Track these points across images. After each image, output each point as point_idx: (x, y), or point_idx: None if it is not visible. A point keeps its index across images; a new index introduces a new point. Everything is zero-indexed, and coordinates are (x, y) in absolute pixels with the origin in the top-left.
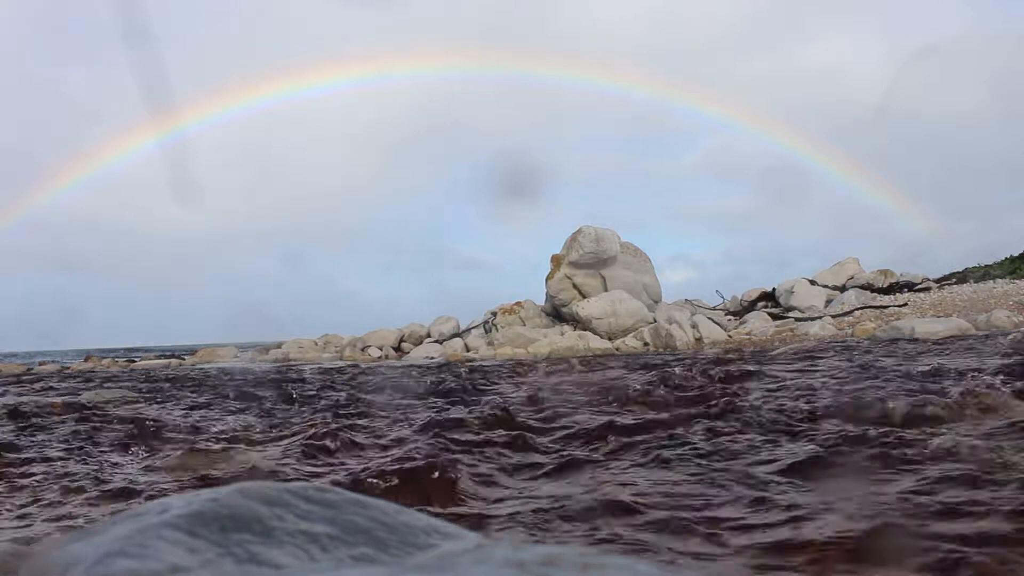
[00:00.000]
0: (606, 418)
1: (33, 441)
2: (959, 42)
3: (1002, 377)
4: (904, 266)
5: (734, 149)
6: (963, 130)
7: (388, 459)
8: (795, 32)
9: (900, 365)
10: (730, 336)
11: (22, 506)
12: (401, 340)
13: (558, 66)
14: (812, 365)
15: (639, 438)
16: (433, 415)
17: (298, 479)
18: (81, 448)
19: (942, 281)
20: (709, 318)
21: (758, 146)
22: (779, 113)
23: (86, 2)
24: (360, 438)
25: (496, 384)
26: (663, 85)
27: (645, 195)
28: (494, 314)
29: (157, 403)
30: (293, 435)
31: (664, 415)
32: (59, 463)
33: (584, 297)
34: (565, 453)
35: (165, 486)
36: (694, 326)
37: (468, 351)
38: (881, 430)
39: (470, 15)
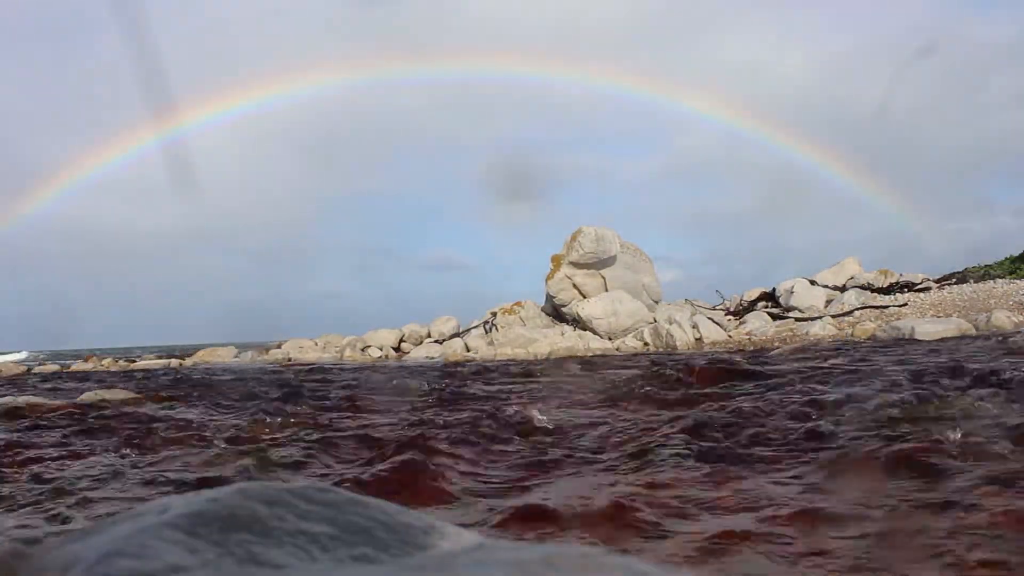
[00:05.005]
0: (608, 419)
1: (32, 441)
2: (957, 41)
3: None
4: (893, 264)
5: (713, 147)
6: (962, 127)
7: (388, 459)
8: (764, 25)
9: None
10: (730, 336)
11: (23, 505)
12: (401, 340)
13: (528, 64)
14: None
15: (637, 438)
16: (433, 416)
17: (298, 479)
18: (81, 448)
19: (942, 281)
20: (709, 318)
21: (740, 143)
22: (761, 108)
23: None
24: (360, 438)
25: (496, 384)
26: (644, 81)
27: (626, 195)
28: (494, 314)
29: (158, 403)
30: (293, 435)
31: (664, 413)
32: (59, 463)
33: (584, 297)
34: (569, 453)
35: (165, 486)
36: (694, 326)
37: (468, 351)
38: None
39: (453, 18)
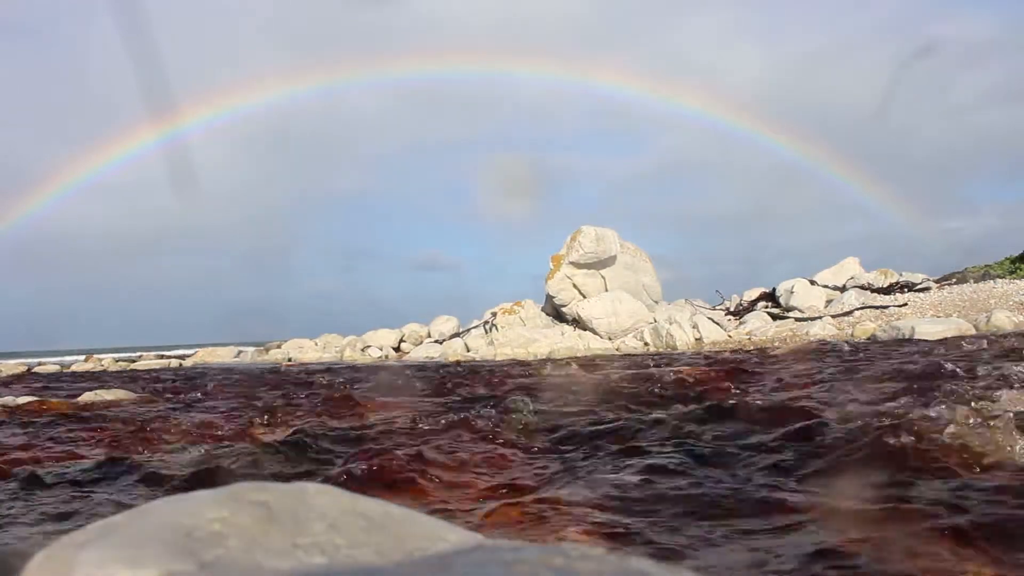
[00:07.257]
0: (604, 418)
1: (30, 442)
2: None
3: None
4: (893, 264)
5: (712, 146)
6: (961, 125)
7: (388, 459)
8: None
9: None
10: (730, 336)
11: (22, 506)
12: (401, 340)
13: (519, 63)
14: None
15: (635, 437)
16: (432, 415)
17: (297, 478)
18: (78, 448)
19: (942, 281)
20: (709, 318)
21: (736, 142)
22: (756, 107)
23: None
24: (359, 436)
25: (495, 384)
26: (641, 79)
27: (624, 194)
28: (494, 314)
29: (158, 402)
30: (292, 433)
31: (659, 413)
32: (57, 463)
33: (584, 297)
34: (568, 452)
35: (163, 486)
36: (694, 326)
37: (468, 351)
38: None
39: (448, 18)
